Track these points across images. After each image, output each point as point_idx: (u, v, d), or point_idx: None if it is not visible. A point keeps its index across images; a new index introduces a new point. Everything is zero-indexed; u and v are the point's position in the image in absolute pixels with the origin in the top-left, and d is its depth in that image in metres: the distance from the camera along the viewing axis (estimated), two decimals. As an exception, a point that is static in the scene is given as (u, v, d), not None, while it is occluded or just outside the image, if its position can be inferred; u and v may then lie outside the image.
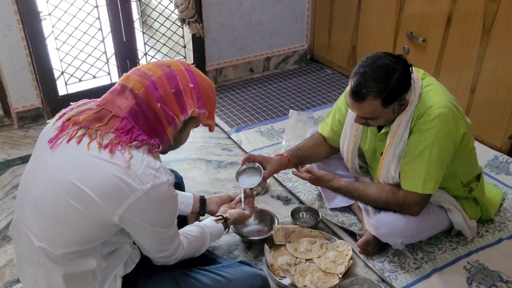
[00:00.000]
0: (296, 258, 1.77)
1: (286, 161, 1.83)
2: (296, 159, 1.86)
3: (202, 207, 1.77)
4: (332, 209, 1.98)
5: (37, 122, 2.74)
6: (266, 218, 1.92)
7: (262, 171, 1.77)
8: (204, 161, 2.39)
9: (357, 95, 1.51)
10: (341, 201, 1.96)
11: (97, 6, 2.61)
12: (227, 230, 1.64)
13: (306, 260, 1.76)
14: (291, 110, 2.52)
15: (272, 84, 3.18)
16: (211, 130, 1.43)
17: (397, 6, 2.70)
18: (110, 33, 2.72)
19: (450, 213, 1.74)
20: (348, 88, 1.73)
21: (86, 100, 1.40)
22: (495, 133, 2.34)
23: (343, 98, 1.86)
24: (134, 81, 1.30)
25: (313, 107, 2.86)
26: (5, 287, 1.69)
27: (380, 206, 1.70)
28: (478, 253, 1.76)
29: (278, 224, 1.87)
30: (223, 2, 3.03)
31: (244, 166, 1.80)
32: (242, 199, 1.76)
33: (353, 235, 1.87)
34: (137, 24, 2.79)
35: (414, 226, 1.66)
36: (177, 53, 3.04)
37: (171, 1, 2.88)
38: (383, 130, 1.68)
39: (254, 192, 1.80)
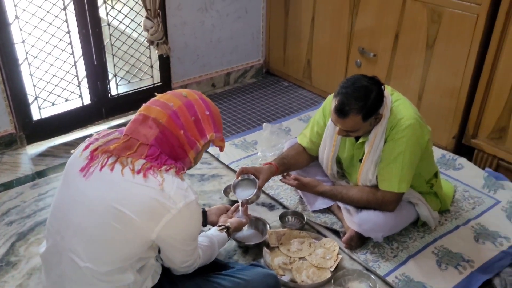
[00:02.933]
0: (290, 257, 1.98)
1: (275, 169, 2.05)
2: (282, 167, 2.09)
3: (204, 219, 1.94)
4: (314, 211, 2.21)
5: (10, 148, 2.76)
6: (258, 224, 2.12)
7: (256, 181, 1.97)
8: (187, 175, 2.54)
9: (341, 113, 1.76)
10: (322, 203, 2.20)
11: (69, 32, 2.68)
12: (229, 237, 1.83)
13: (299, 258, 1.98)
14: (264, 124, 2.73)
15: (236, 98, 3.39)
16: (221, 150, 1.61)
17: (348, 24, 3.00)
18: (82, 57, 2.79)
19: (417, 207, 2.04)
20: (326, 105, 1.98)
21: (108, 130, 1.53)
22: (441, 134, 2.70)
23: (321, 113, 2.11)
24: (157, 111, 1.45)
25: (278, 119, 3.10)
26: (22, 310, 1.76)
27: (361, 205, 1.97)
28: (442, 239, 2.08)
29: (270, 228, 2.09)
30: (186, 22, 3.19)
31: (239, 179, 2.00)
32: (240, 209, 1.95)
33: (335, 233, 2.11)
34: (107, 47, 2.88)
35: (392, 220, 1.94)
36: (145, 73, 3.16)
37: (138, 25, 3.00)
38: (360, 140, 1.95)
39: (250, 200, 1.99)
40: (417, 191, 2.04)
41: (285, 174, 2.12)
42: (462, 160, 2.59)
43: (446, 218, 2.19)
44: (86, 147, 1.47)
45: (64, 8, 2.64)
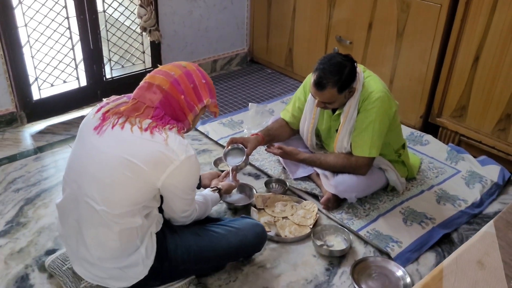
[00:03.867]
0: (275, 217, 2.23)
1: (261, 139, 2.30)
2: (267, 138, 2.34)
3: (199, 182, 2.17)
4: (296, 179, 2.46)
5: (11, 126, 2.94)
6: (245, 188, 2.37)
7: (245, 150, 2.21)
8: (179, 150, 2.76)
9: (319, 85, 2.01)
10: (302, 172, 2.45)
11: (67, 17, 2.88)
12: (221, 198, 2.07)
13: (283, 218, 2.23)
14: (250, 103, 2.97)
15: (223, 84, 3.62)
16: (215, 115, 1.84)
17: (327, 14, 3.26)
18: (79, 42, 2.99)
19: (387, 172, 2.30)
20: (307, 83, 2.23)
21: (116, 96, 1.75)
22: (410, 114, 2.98)
23: (301, 89, 2.36)
24: (160, 79, 1.67)
25: (262, 101, 3.34)
26: (35, 261, 1.96)
27: (337, 170, 2.23)
28: (408, 201, 2.35)
29: (256, 193, 2.33)
30: (176, 12, 3.41)
31: (229, 148, 2.24)
32: (231, 174, 2.19)
33: (314, 197, 2.36)
34: (103, 33, 3.08)
35: (364, 182, 2.21)
36: (137, 58, 3.36)
37: (132, 12, 3.20)
38: (337, 112, 2.20)
39: (239, 167, 2.23)
40: (386, 159, 2.31)
41: (269, 144, 2.36)
42: (428, 137, 2.87)
43: (412, 185, 2.47)
44: (98, 110, 1.69)
45: (64, -5, 2.83)
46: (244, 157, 2.20)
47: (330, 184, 2.24)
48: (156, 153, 1.56)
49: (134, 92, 1.71)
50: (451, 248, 2.11)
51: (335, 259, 2.03)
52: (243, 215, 2.13)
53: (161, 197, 1.70)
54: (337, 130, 2.23)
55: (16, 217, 2.21)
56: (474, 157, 2.71)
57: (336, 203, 2.28)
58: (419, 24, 2.76)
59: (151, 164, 1.55)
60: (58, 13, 2.85)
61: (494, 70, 2.54)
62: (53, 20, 2.85)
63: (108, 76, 3.23)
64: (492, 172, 2.57)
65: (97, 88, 3.20)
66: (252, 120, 2.87)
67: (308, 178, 2.46)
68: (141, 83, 1.71)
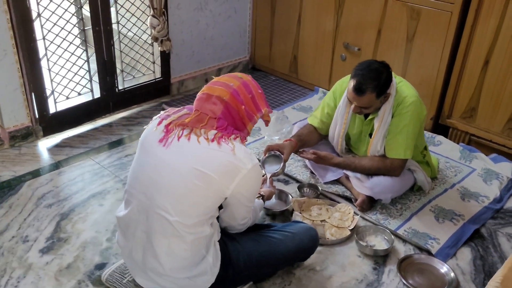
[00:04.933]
0: (313, 221, 2.29)
1: (295, 144, 2.36)
2: (300, 143, 2.41)
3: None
4: (326, 183, 2.53)
5: (26, 140, 2.88)
6: (281, 195, 2.42)
7: (282, 156, 2.27)
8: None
9: (359, 91, 2.10)
10: (332, 176, 2.53)
11: (83, 29, 2.86)
12: (264, 204, 2.12)
13: (321, 221, 2.30)
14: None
15: (230, 91, 3.65)
16: (267, 124, 1.89)
17: (334, 21, 3.36)
18: (94, 53, 2.97)
19: (415, 173, 2.41)
20: (336, 89, 2.33)
21: (174, 108, 1.77)
22: (420, 116, 3.10)
23: (331, 96, 2.44)
24: (219, 90, 1.71)
25: (273, 108, 3.40)
26: (87, 276, 1.95)
27: (372, 172, 2.31)
28: (435, 200, 2.46)
29: (292, 198, 2.39)
30: (184, 21, 3.43)
31: (266, 155, 2.29)
32: (268, 181, 2.24)
33: (346, 199, 2.44)
34: (116, 44, 3.07)
35: (398, 183, 2.30)
36: (148, 68, 3.36)
37: (144, 23, 3.20)
38: (370, 117, 2.29)
39: (277, 173, 2.28)
40: (414, 160, 2.42)
41: (301, 150, 2.43)
42: (440, 138, 3.01)
43: (435, 184, 2.58)
44: (160, 122, 1.71)
45: (80, 7, 2.81)
46: (282, 164, 2.25)
47: (365, 186, 2.32)
48: (225, 163, 1.60)
49: (195, 103, 1.74)
50: (483, 243, 2.23)
51: (380, 258, 2.11)
52: (294, 220, 2.18)
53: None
54: (370, 135, 2.32)
55: (55, 232, 2.19)
56: (485, 155, 2.86)
57: (369, 204, 2.36)
58: (430, 30, 2.90)
59: (221, 173, 1.59)
60: (74, 25, 2.83)
61: (504, 72, 2.70)
62: (69, 32, 2.82)
63: (120, 87, 3.21)
64: (506, 169, 2.72)
65: (110, 99, 3.18)
66: (273, 126, 2.92)
67: (337, 181, 2.54)
68: (199, 94, 1.74)
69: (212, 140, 1.63)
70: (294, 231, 1.91)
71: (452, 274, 1.99)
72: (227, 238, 1.82)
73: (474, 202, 2.46)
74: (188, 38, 3.51)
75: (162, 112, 1.79)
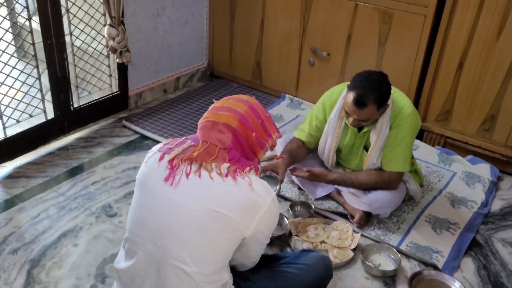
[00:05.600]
0: (312, 242, 2.16)
1: (287, 162, 2.22)
2: (291, 160, 2.27)
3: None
4: (316, 199, 2.42)
5: (-29, 173, 2.51)
6: (275, 217, 2.26)
7: (277, 177, 2.11)
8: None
9: (360, 104, 1.99)
10: (322, 191, 2.41)
11: (33, 44, 2.52)
12: None
13: (320, 242, 2.17)
14: None
15: (193, 103, 3.43)
16: (272, 149, 1.73)
17: (300, 25, 3.25)
18: (46, 69, 2.64)
19: (408, 183, 2.35)
20: (326, 101, 2.21)
21: (177, 139, 1.56)
22: (393, 120, 3.07)
23: (320, 108, 2.32)
24: (226, 116, 1.53)
25: (242, 118, 3.22)
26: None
27: (369, 187, 2.22)
28: (427, 209, 2.42)
29: (288, 220, 2.24)
30: (141, 29, 3.16)
31: (261, 177, 2.12)
32: None
33: (341, 216, 2.34)
34: (69, 58, 2.75)
35: (396, 197, 2.23)
36: (104, 82, 3.07)
37: (98, 33, 2.90)
38: (364, 129, 2.19)
39: (274, 195, 2.12)
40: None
41: (291, 167, 2.29)
42: (416, 142, 2.99)
43: (423, 191, 2.55)
44: (161, 157, 1.50)
45: (29, 18, 2.47)
46: (278, 186, 2.10)
47: (362, 202, 2.23)
48: (244, 200, 1.42)
49: (200, 133, 1.54)
50: (481, 251, 2.21)
51: (389, 278, 2.02)
52: (305, 248, 2.04)
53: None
54: (365, 148, 2.23)
55: (28, 284, 1.89)
56: (462, 157, 2.88)
57: (366, 219, 2.28)
58: (403, 34, 2.86)
59: (241, 212, 1.42)
60: (23, 39, 2.49)
61: (478, 74, 2.72)
62: (17, 47, 2.48)
63: (75, 104, 2.89)
64: (484, 170, 2.75)
65: (65, 119, 2.85)
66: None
67: (327, 196, 2.43)
68: (203, 122, 1.55)
69: (226, 175, 1.45)
70: (308, 262, 1.77)
71: (464, 290, 1.95)
72: (238, 278, 1.64)
73: (464, 208, 2.45)
74: (145, 47, 3.24)
75: (160, 144, 1.58)
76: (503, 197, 2.63)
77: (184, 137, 1.57)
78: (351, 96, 2.01)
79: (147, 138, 2.96)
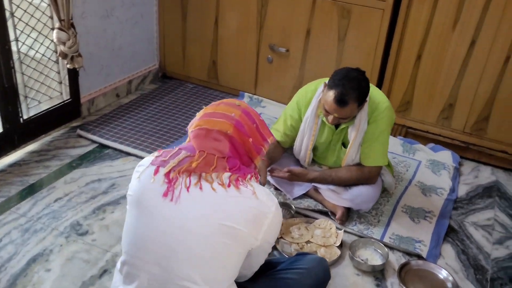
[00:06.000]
0: (298, 243, 2.13)
1: (267, 164, 2.18)
2: (270, 160, 2.23)
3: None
4: (295, 198, 2.39)
5: None
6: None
7: (259, 181, 2.05)
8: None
9: (342, 102, 1.97)
10: (299, 190, 2.39)
11: (-24, 52, 2.28)
12: None
13: (305, 242, 2.15)
14: None
15: (148, 107, 3.29)
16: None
17: (256, 22, 3.19)
18: (-9, 80, 2.40)
19: (383, 176, 2.38)
20: (300, 100, 2.19)
21: (170, 150, 1.47)
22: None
23: (294, 107, 2.29)
24: (220, 123, 1.46)
25: (204, 120, 3.12)
26: None
27: (350, 183, 2.23)
28: (402, 199, 2.47)
29: (270, 222, 2.19)
30: (90, 32, 2.97)
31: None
32: None
33: (321, 213, 2.32)
34: (16, 66, 2.52)
35: (376, 190, 2.25)
36: (54, 89, 2.85)
37: (46, 37, 2.68)
38: (342, 126, 2.19)
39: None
40: (380, 163, 2.39)
41: (270, 169, 2.25)
42: (379, 133, 3.05)
43: (395, 182, 2.60)
44: (156, 171, 1.40)
45: (-30, 24, 2.23)
46: None
47: (344, 198, 2.23)
48: (250, 210, 1.36)
49: (194, 142, 1.45)
50: (457, 236, 2.29)
51: (378, 272, 2.03)
52: (299, 251, 1.99)
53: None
54: (343, 144, 2.23)
55: (2, 320, 1.71)
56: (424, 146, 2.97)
57: (347, 215, 2.28)
58: (362, 29, 2.89)
59: (249, 223, 1.36)
60: (-36, 48, 2.24)
61: (436, 66, 2.81)
62: (-41, 57, 2.23)
63: (25, 116, 2.66)
64: (446, 157, 2.85)
65: (14, 132, 2.62)
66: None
67: (305, 195, 2.41)
68: (196, 130, 1.47)
69: (229, 185, 1.37)
70: (307, 266, 1.72)
71: (451, 278, 1.99)
72: (238, 291, 1.58)
73: (435, 196, 2.53)
74: (95, 50, 3.05)
75: (149, 157, 1.47)
76: (466, 182, 2.74)
77: (177, 148, 1.47)
78: (331, 94, 1.99)
79: (106, 147, 2.79)
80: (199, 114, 1.53)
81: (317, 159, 2.41)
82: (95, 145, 2.80)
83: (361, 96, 2.01)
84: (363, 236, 2.20)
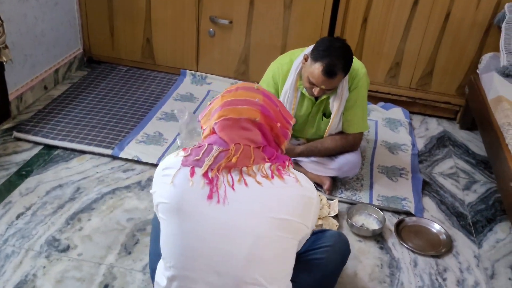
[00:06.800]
0: (295, 220, 2.11)
1: None
2: None
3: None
4: (277, 175, 2.34)
5: None
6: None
7: None
8: (123, 189, 2.24)
9: (331, 73, 1.94)
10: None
11: None
12: None
13: (302, 218, 2.13)
14: (178, 110, 2.56)
15: (89, 95, 2.97)
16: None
17: (194, -5, 3.01)
18: None
19: (359, 140, 2.42)
20: (275, 74, 2.13)
21: (196, 148, 1.33)
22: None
23: (271, 82, 2.22)
24: (247, 110, 1.36)
25: (147, 105, 2.91)
26: None
27: (335, 152, 2.24)
28: (374, 161, 2.55)
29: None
30: (11, 18, 2.57)
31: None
32: None
33: (305, 186, 2.31)
34: None
35: (359, 155, 2.30)
36: (-21, 89, 2.45)
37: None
38: (323, 97, 2.16)
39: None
40: (354, 128, 2.42)
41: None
42: (332, 98, 3.09)
43: (362, 145, 2.67)
44: (192, 173, 1.26)
45: None
46: None
47: (330, 168, 2.23)
48: (298, 199, 1.31)
49: (224, 135, 1.33)
50: (431, 187, 2.43)
51: (378, 236, 2.09)
52: (316, 229, 1.95)
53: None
54: (324, 114, 2.21)
55: None
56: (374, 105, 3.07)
57: (333, 185, 2.29)
58: (308, -6, 2.86)
59: (300, 212, 1.30)
60: None
61: (381, 27, 2.88)
62: None
63: (-49, 124, 2.27)
64: (398, 113, 2.99)
65: None
66: (185, 127, 2.51)
67: (286, 170, 2.37)
68: (221, 121, 1.35)
69: (272, 176, 1.29)
70: (330, 243, 1.69)
71: (443, 230, 2.11)
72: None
73: (402, 152, 2.64)
74: (17, 39, 2.66)
75: (176, 157, 1.32)
76: (420, 135, 2.90)
77: (205, 143, 1.33)
78: (318, 66, 1.94)
79: (53, 147, 2.48)
80: (216, 103, 1.40)
81: (294, 133, 2.37)
82: (39, 147, 2.48)
83: (348, 65, 1.99)
84: (353, 202, 2.24)
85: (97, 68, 3.33)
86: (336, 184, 2.33)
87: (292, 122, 1.47)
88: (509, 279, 1.95)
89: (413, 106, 3.09)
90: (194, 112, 2.86)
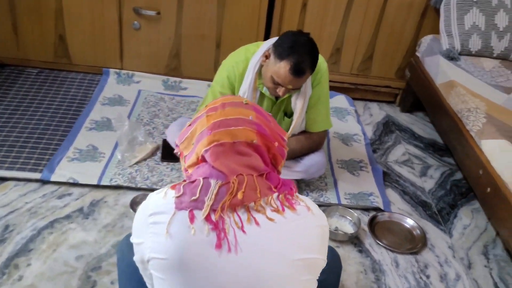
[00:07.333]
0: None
1: None
2: None
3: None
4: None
5: None
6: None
7: None
8: (63, 220, 1.90)
9: (300, 72, 1.76)
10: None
11: None
12: None
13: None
14: (115, 119, 2.23)
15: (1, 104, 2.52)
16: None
17: (113, -15, 2.64)
18: None
19: (316, 136, 2.29)
20: (230, 74, 1.94)
21: (188, 185, 1.10)
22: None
23: (225, 82, 1.99)
24: (242, 132, 1.15)
25: (80, 109, 2.53)
26: None
27: (302, 153, 2.09)
28: (331, 154, 2.45)
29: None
30: None
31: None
32: None
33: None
34: None
35: (324, 155, 2.16)
36: None
37: None
38: (285, 96, 1.98)
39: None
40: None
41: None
42: (274, 89, 2.92)
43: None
44: (192, 218, 1.04)
45: None
46: None
47: (296, 171, 2.08)
48: (315, 230, 1.14)
49: (219, 164, 1.11)
50: (390, 178, 2.39)
51: (354, 238, 1.99)
52: None
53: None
54: (286, 114, 2.04)
55: None
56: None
57: (297, 187, 2.15)
58: (243, -21, 2.64)
59: (319, 247, 1.14)
60: None
61: (322, 13, 2.76)
62: None
63: None
64: (343, 101, 2.91)
65: None
66: (125, 137, 2.20)
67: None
68: (213, 148, 1.13)
69: (283, 209, 1.10)
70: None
71: (416, 225, 2.06)
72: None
73: (355, 143, 2.57)
74: None
75: (161, 197, 1.08)
76: (366, 122, 2.85)
77: (199, 177, 1.10)
78: (285, 65, 1.75)
79: (-35, 176, 2.05)
80: (201, 125, 1.16)
81: (253, 135, 2.17)
82: (-49, 178, 2.04)
83: (315, 62, 1.83)
84: (322, 204, 2.12)
85: (1, 72, 2.84)
86: (300, 186, 2.19)
87: (286, 137, 1.28)
88: (485, 266, 1.95)
89: (354, 92, 3.03)
90: (129, 117, 2.54)
